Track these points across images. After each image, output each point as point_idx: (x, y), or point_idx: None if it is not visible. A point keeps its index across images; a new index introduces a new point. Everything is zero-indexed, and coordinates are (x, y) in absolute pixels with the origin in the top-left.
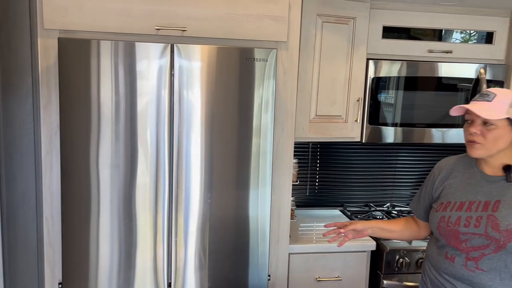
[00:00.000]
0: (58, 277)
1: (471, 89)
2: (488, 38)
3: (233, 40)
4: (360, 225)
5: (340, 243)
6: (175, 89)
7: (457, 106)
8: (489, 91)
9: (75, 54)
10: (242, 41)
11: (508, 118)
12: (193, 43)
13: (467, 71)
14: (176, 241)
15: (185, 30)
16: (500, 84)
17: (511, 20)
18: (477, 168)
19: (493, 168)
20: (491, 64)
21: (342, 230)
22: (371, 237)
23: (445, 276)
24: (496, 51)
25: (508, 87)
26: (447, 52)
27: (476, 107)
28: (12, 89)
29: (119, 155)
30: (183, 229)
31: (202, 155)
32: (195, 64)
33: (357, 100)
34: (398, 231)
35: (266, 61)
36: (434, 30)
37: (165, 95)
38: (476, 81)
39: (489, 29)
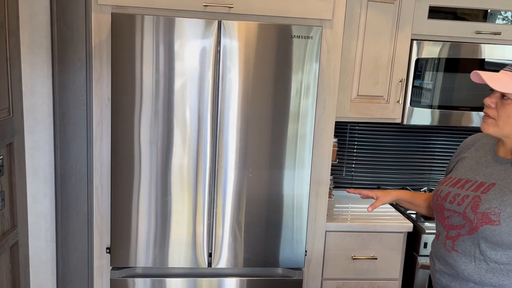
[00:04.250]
0: (107, 242)
1: None
2: None
3: (278, 17)
4: (382, 199)
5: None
6: (220, 67)
7: (475, 71)
8: None
9: (126, 29)
10: (287, 19)
11: None
12: (239, 20)
13: None
14: (215, 216)
15: (232, 7)
16: None
17: None
18: (493, 148)
19: (506, 150)
20: None
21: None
22: (408, 218)
23: (432, 253)
24: None
25: None
26: (495, 34)
27: (492, 75)
28: (67, 62)
29: (158, 132)
30: (221, 206)
31: (239, 135)
32: (240, 41)
33: (400, 81)
34: (424, 207)
35: (311, 38)
36: (482, 11)
37: (210, 73)
38: None
39: None
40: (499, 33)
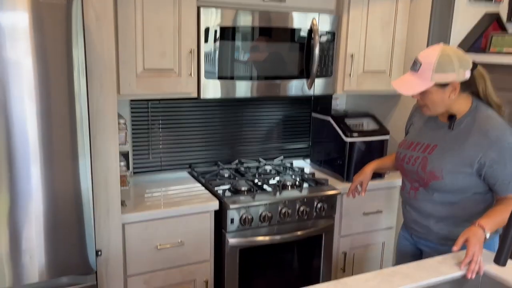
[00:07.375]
0: None
1: (306, 39)
2: None
3: None
4: (366, 181)
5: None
6: None
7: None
8: (417, 59)
9: None
10: None
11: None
12: None
13: (304, 21)
14: None
15: None
16: (331, 34)
17: None
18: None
19: (443, 116)
20: (323, 14)
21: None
22: (215, 196)
23: (403, 201)
24: (327, 1)
25: (339, 38)
26: (280, 1)
27: (402, 83)
28: None
29: None
30: None
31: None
32: None
33: (190, 52)
34: (393, 166)
35: (68, 2)
36: None
37: None
38: (311, 32)
39: None
40: (284, 1)
